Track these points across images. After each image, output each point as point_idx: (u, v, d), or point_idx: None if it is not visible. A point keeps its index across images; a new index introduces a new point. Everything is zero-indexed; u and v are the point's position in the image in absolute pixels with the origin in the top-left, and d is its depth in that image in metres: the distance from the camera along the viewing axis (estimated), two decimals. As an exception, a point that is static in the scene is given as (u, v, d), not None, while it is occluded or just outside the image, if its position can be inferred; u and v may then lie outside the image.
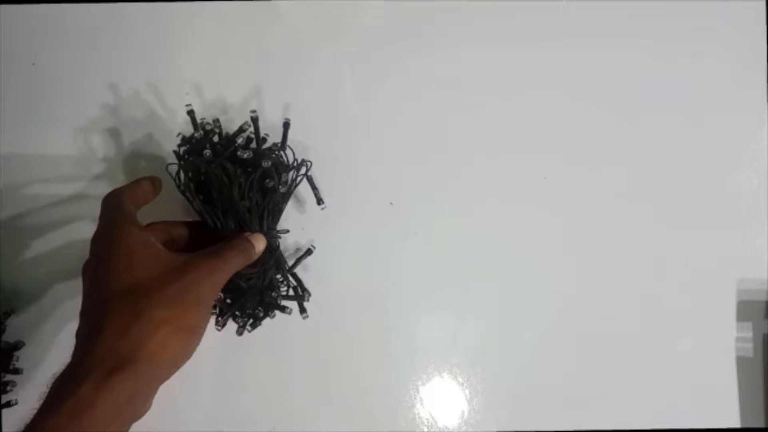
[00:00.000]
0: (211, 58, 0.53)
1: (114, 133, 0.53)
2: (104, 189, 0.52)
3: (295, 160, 0.49)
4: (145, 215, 0.52)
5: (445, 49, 0.54)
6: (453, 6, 0.53)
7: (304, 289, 0.51)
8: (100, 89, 0.53)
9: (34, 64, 0.53)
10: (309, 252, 0.52)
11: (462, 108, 0.54)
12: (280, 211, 0.48)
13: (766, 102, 0.54)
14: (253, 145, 0.48)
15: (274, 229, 0.48)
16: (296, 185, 0.49)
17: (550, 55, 0.54)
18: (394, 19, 0.53)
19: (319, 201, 0.51)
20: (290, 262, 0.51)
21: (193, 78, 0.53)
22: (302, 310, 0.51)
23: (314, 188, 0.51)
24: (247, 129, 0.47)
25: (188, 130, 0.48)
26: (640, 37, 0.54)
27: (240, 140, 0.46)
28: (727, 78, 0.54)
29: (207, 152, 0.45)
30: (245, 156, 0.45)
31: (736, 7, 0.54)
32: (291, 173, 0.48)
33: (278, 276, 0.49)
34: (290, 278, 0.50)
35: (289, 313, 0.51)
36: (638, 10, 0.54)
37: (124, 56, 0.53)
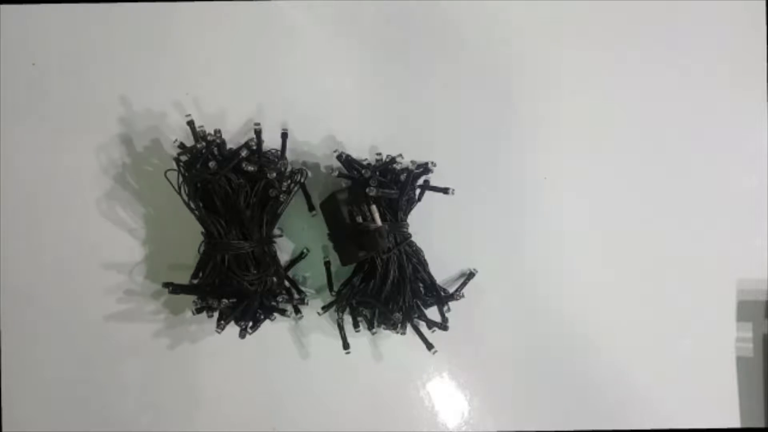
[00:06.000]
0: (211, 58, 0.53)
1: (114, 133, 0.52)
2: (105, 188, 0.52)
3: (293, 168, 0.50)
4: (147, 215, 0.53)
5: (446, 49, 0.54)
6: (453, 6, 0.53)
7: (300, 291, 0.52)
8: (100, 89, 0.52)
9: (34, 64, 0.53)
10: (302, 255, 0.52)
11: (461, 108, 0.54)
12: (277, 217, 0.49)
13: (766, 102, 0.54)
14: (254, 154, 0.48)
15: (271, 234, 0.49)
16: (294, 193, 0.49)
17: (551, 54, 0.54)
18: (395, 19, 0.53)
19: (311, 207, 0.51)
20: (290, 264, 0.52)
21: (192, 77, 0.53)
22: (296, 311, 0.52)
23: (307, 195, 0.51)
24: (252, 144, 0.48)
25: (187, 129, 0.49)
26: (639, 37, 0.54)
27: (244, 153, 0.47)
28: (727, 78, 0.54)
29: (212, 164, 0.46)
30: (250, 169, 0.46)
31: (736, 7, 0.54)
32: (288, 182, 0.49)
33: (274, 279, 0.49)
34: (285, 281, 0.50)
35: (289, 316, 0.52)
36: (638, 11, 0.54)
37: (123, 56, 0.53)
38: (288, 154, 0.51)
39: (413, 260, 0.49)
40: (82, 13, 0.53)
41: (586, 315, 0.54)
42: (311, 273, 0.53)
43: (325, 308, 0.51)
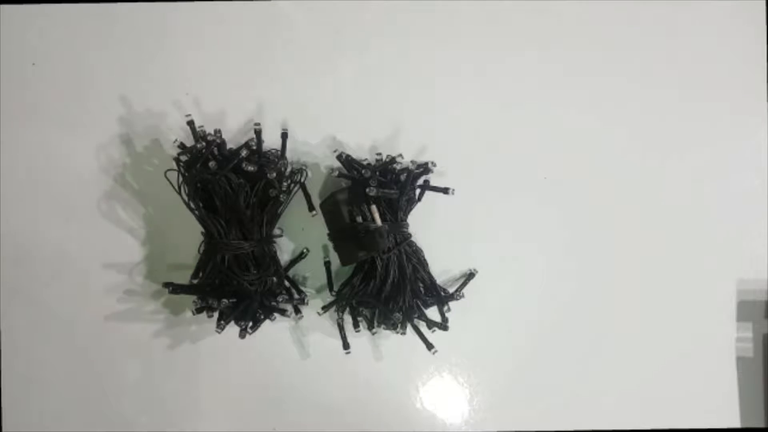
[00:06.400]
0: (211, 58, 0.53)
1: (114, 133, 0.52)
2: (105, 188, 0.52)
3: (293, 168, 0.50)
4: (147, 215, 0.53)
5: (446, 49, 0.54)
6: (454, 6, 0.53)
7: (300, 291, 0.52)
8: (100, 89, 0.52)
9: (34, 64, 0.53)
10: (302, 255, 0.52)
11: (461, 108, 0.54)
12: (277, 217, 0.49)
13: (766, 102, 0.54)
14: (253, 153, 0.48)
15: (271, 234, 0.49)
16: (294, 193, 0.49)
17: (551, 54, 0.54)
18: (395, 19, 0.53)
19: (311, 207, 0.51)
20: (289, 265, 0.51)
21: (192, 78, 0.53)
22: (297, 311, 0.52)
23: (307, 195, 0.51)
24: (252, 144, 0.48)
25: (187, 129, 0.49)
26: (640, 37, 0.54)
27: (244, 153, 0.47)
28: (727, 78, 0.54)
29: (212, 164, 0.46)
30: (250, 169, 0.46)
31: (736, 7, 0.54)
32: (288, 182, 0.49)
33: (274, 279, 0.49)
34: (285, 281, 0.50)
35: (289, 316, 0.52)
36: (639, 11, 0.54)
37: (123, 56, 0.53)
38: (288, 154, 0.51)
39: (413, 260, 0.49)
40: (82, 13, 0.53)
41: (586, 315, 0.54)
42: (311, 273, 0.53)
43: (325, 308, 0.51)
